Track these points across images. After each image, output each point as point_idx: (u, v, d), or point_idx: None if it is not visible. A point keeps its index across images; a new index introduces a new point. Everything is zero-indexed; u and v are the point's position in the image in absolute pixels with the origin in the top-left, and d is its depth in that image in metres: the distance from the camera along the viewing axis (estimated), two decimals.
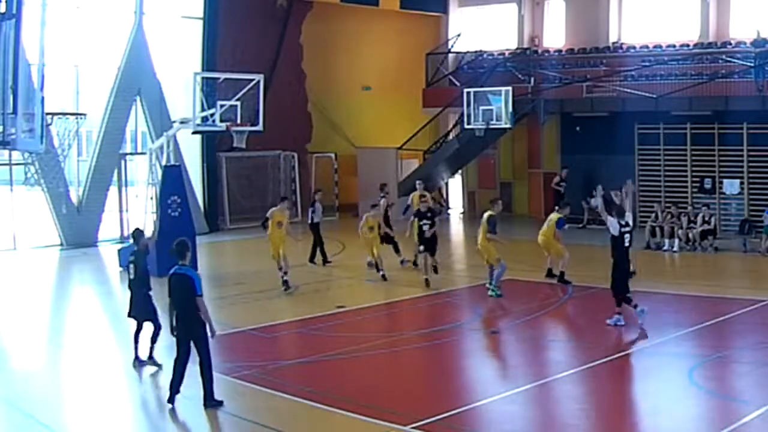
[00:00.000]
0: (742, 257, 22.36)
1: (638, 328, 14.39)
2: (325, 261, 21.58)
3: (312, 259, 21.50)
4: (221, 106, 20.10)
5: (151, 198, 21.37)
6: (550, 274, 19.06)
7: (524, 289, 18.11)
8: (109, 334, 15.46)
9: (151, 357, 12.76)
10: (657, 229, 23.75)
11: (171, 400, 11.03)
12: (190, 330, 10.90)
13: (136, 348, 12.78)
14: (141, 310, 12.76)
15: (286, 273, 18.02)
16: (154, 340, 12.73)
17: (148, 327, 12.77)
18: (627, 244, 14.81)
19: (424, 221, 18.53)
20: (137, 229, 13.73)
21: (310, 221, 21.74)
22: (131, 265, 12.84)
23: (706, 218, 23.19)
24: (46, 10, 13.06)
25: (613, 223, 14.62)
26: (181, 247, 11.16)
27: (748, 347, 13.47)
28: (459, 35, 33.25)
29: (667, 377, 12.02)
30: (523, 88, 28.16)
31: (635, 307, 14.66)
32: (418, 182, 22.83)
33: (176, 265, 11.06)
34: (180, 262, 11.09)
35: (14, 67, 9.46)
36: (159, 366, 12.62)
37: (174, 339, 11.05)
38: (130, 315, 12.92)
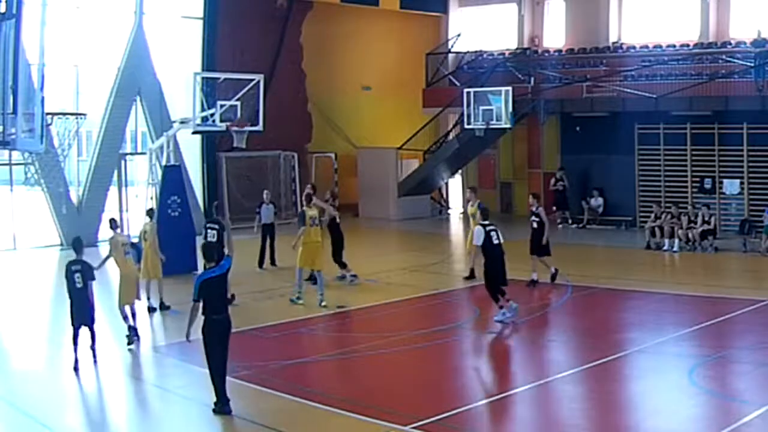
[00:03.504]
0: (742, 257, 22.35)
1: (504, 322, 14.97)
2: (273, 263, 21.12)
3: (261, 265, 21.01)
4: (221, 106, 20.10)
5: (151, 198, 21.36)
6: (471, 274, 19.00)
7: (524, 290, 18.08)
8: (109, 334, 15.45)
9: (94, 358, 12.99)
10: (657, 229, 23.74)
11: (227, 409, 10.70)
12: (228, 330, 10.81)
13: (76, 351, 12.83)
14: (87, 316, 13.02)
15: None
16: (93, 340, 13.07)
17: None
18: (496, 242, 15.29)
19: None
20: (78, 238, 13.60)
21: (256, 223, 21.30)
22: (78, 275, 12.86)
23: (706, 218, 23.17)
24: (46, 10, 13.07)
25: (479, 232, 15.14)
26: (209, 250, 11.25)
27: (748, 347, 13.47)
28: (459, 35, 33.26)
29: (667, 377, 12.02)
30: (523, 88, 28.14)
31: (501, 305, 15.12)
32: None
33: (218, 267, 10.78)
34: (209, 265, 10.87)
35: (14, 67, 9.44)
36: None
37: None
38: (74, 323, 12.97)
